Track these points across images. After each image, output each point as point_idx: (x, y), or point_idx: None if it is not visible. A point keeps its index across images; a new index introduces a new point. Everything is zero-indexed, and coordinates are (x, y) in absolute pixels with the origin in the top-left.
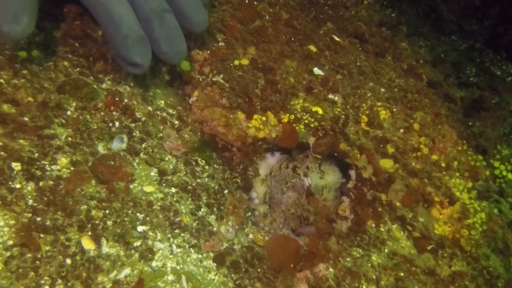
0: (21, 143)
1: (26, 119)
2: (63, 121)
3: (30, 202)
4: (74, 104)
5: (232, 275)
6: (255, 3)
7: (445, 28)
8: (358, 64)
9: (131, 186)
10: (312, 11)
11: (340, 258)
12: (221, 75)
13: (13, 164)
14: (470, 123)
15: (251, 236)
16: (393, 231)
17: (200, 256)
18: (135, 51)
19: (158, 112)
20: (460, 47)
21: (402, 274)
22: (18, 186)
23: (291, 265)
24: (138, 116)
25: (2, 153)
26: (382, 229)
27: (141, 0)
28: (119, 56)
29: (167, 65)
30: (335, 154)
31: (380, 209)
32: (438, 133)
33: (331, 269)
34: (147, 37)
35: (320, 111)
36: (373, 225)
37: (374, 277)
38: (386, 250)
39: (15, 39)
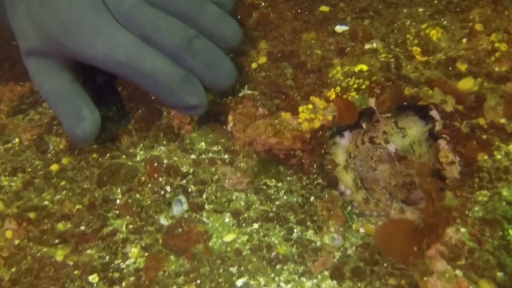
0: (89, 253)
1: (82, 228)
2: (117, 212)
3: None
4: (118, 190)
5: (359, 284)
6: None
7: None
8: None
9: (210, 244)
10: None
11: (466, 212)
12: (245, 86)
13: (90, 278)
14: None
15: (361, 229)
16: None
17: (315, 280)
18: (185, 94)
19: (203, 156)
20: None
21: None
22: None
23: (415, 248)
24: (185, 171)
25: (75, 272)
26: (498, 157)
27: (161, 40)
28: (173, 106)
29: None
30: (404, 103)
31: (484, 136)
32: (509, 20)
33: (462, 229)
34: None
35: (365, 68)
36: (486, 157)
37: None
38: None
39: (92, 134)
